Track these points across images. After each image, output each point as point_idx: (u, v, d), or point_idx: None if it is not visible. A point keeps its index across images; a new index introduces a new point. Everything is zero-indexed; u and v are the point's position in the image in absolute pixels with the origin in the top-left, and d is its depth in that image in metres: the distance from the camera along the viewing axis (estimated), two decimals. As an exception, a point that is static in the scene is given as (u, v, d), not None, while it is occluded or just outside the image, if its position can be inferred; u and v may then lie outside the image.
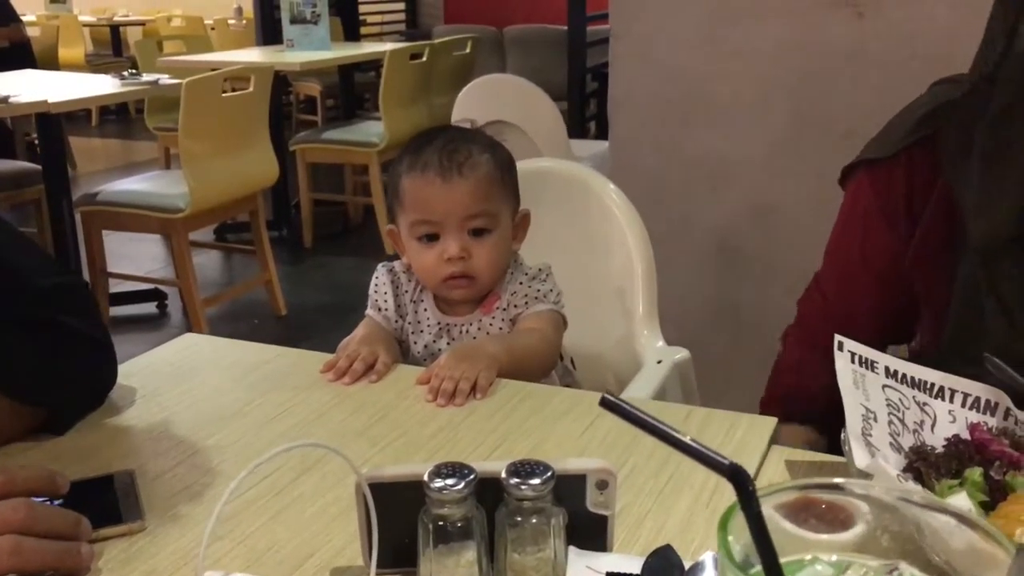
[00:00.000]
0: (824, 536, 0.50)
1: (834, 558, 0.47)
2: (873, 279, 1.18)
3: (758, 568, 0.43)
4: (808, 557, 0.47)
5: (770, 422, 1.00)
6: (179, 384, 1.13)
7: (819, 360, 0.95)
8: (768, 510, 0.48)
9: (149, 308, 3.94)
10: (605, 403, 0.44)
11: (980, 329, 1.00)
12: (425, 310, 1.32)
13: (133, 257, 4.45)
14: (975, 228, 1.00)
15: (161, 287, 3.97)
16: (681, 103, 2.13)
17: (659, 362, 1.37)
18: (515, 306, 1.29)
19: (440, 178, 1.24)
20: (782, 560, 0.44)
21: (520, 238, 1.34)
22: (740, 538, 0.45)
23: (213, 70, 3.68)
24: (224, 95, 3.50)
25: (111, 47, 9.14)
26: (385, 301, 1.33)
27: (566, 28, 5.43)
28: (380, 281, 1.34)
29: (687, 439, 0.43)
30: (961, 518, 0.46)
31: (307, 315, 3.91)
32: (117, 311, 3.79)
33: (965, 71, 1.05)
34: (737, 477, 0.43)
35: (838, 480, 0.50)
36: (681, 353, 1.40)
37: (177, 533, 0.82)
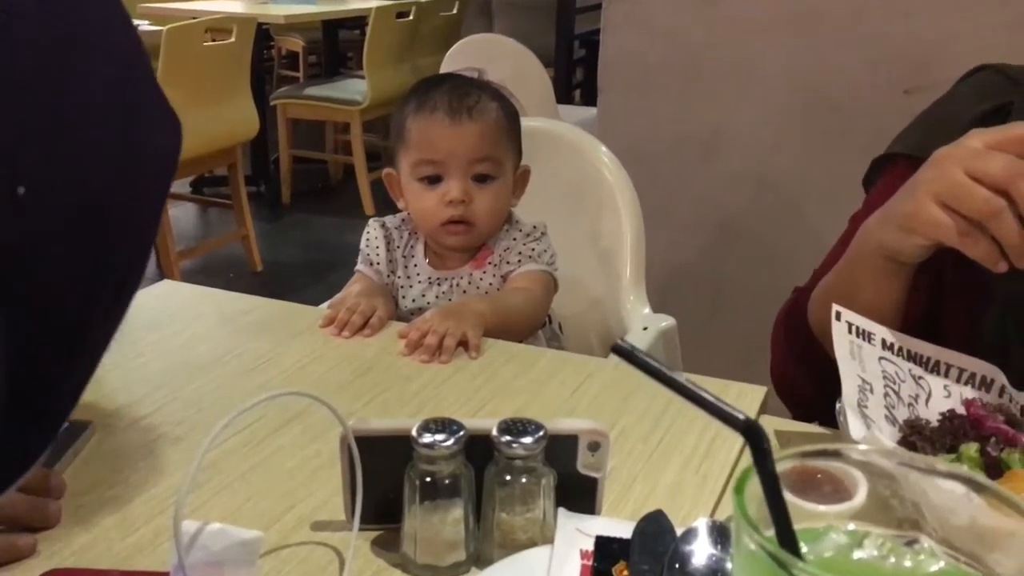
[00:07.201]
0: (823, 507, 0.49)
1: (851, 527, 0.45)
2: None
3: (771, 533, 0.41)
4: (822, 526, 0.45)
5: (760, 390, 0.99)
6: (155, 331, 1.10)
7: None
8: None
9: (122, 259, 3.87)
10: (618, 350, 0.42)
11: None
12: (415, 265, 1.30)
13: (107, 207, 4.37)
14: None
15: (135, 238, 3.89)
16: (673, 71, 2.10)
17: (645, 329, 1.35)
18: (507, 262, 1.27)
19: (449, 118, 1.22)
20: (796, 527, 0.43)
21: (519, 194, 1.32)
22: (751, 505, 0.43)
23: (195, 19, 3.59)
24: (205, 44, 3.42)
25: (90, -8, 8.95)
26: (377, 255, 1.30)
27: (555, -7, 5.36)
28: (372, 235, 1.31)
29: (702, 391, 0.41)
30: (969, 481, 0.44)
31: (283, 272, 3.85)
32: (89, 261, 3.72)
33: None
34: (752, 434, 0.41)
35: (837, 446, 0.48)
36: (667, 321, 1.38)
37: (152, 481, 0.80)
